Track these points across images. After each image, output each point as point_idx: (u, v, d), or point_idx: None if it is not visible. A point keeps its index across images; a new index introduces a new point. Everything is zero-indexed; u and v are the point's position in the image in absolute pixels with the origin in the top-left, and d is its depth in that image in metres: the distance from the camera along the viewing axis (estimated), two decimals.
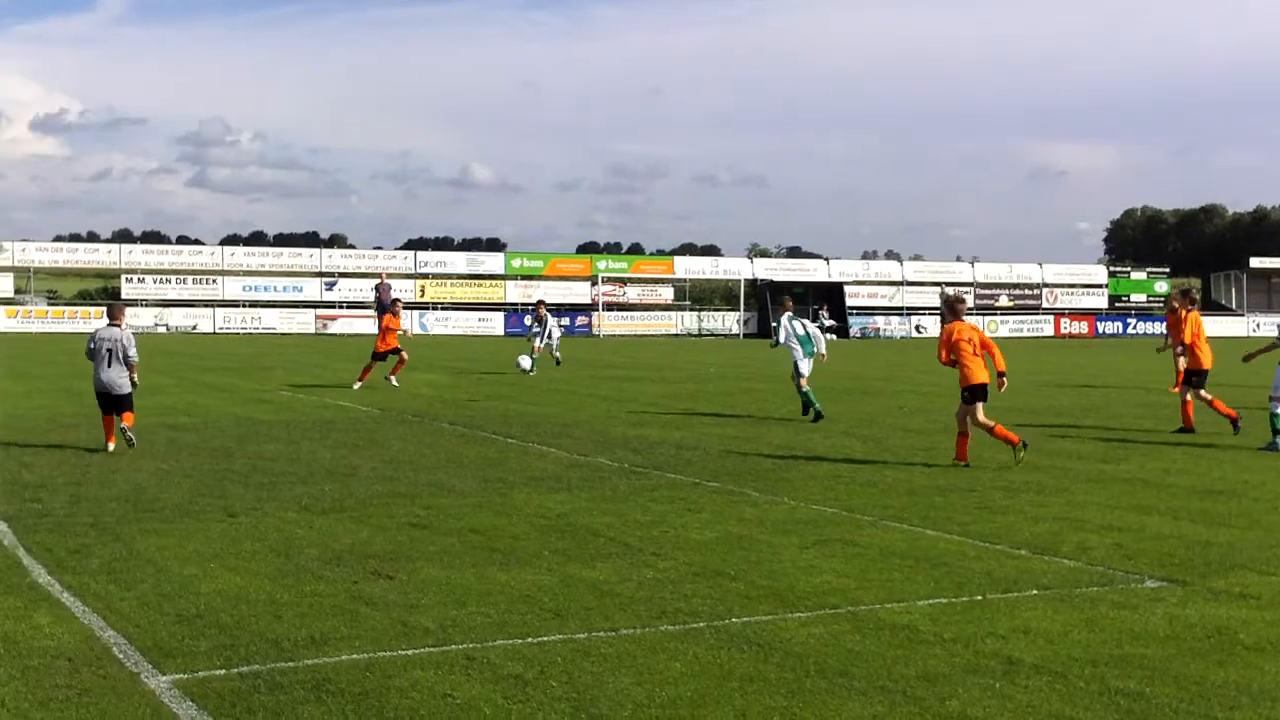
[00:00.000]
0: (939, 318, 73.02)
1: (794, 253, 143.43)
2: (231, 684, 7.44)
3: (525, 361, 33.31)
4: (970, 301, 77.80)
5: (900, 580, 10.31)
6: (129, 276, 65.39)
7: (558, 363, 36.35)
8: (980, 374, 17.08)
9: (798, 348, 23.29)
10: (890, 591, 9.90)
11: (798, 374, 23.38)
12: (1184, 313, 22.53)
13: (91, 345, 17.73)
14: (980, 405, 17.00)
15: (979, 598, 9.73)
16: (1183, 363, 22.68)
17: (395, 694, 7.31)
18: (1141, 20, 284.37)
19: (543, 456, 17.58)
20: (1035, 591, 9.98)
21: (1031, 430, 21.50)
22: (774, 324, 24.66)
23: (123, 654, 8.00)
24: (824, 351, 23.75)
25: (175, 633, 8.45)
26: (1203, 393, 21.27)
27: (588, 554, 11.15)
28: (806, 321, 24.28)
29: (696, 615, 9.08)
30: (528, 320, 35.52)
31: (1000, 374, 17.39)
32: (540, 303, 36.44)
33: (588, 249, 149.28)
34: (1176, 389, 24.70)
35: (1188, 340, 21.67)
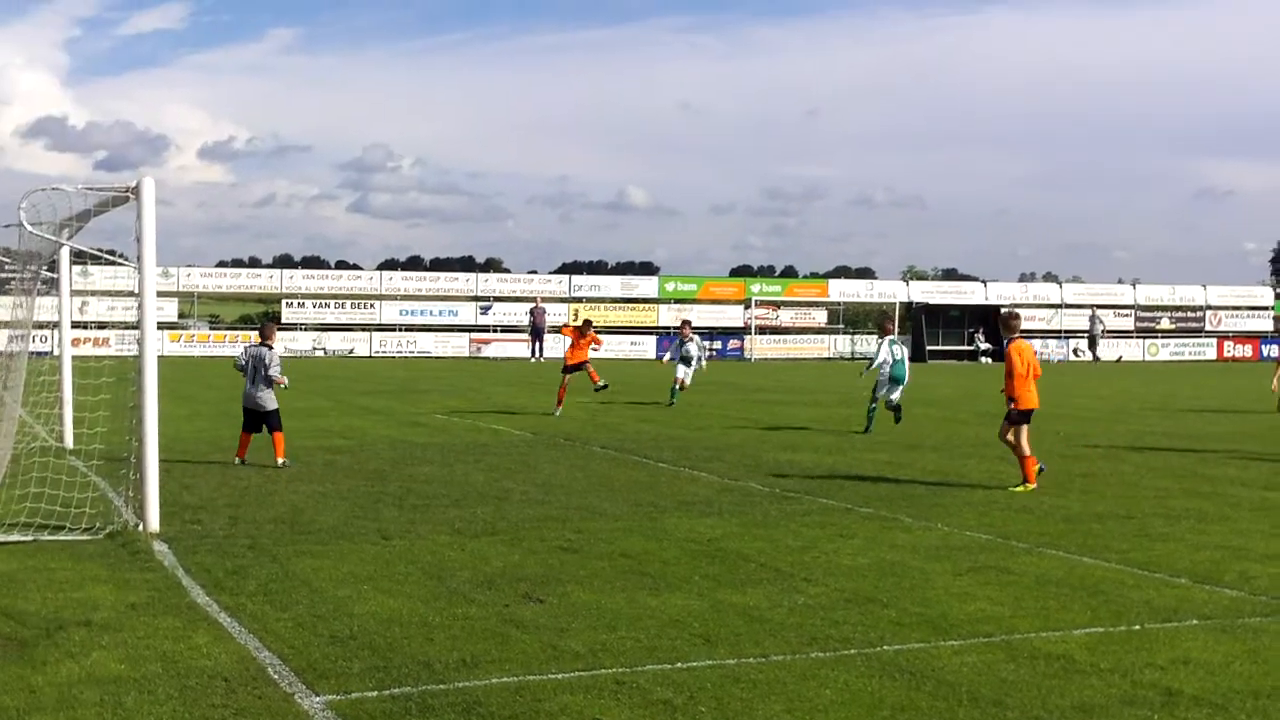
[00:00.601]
0: (1086, 341, 71.87)
1: (950, 275, 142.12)
2: (384, 705, 7.52)
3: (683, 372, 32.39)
4: (1131, 324, 76.50)
5: (1056, 608, 10.14)
6: (289, 301, 66.62)
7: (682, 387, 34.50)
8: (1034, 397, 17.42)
9: (887, 371, 24.95)
10: (1046, 620, 9.74)
11: (876, 394, 25.18)
12: None
13: (240, 361, 18.61)
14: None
15: (1137, 627, 9.54)
16: None
17: (544, 717, 7.34)
18: None
19: (694, 480, 17.57)
20: (1196, 621, 9.75)
21: (1193, 455, 21.08)
22: (877, 345, 25.90)
23: (277, 674, 8.13)
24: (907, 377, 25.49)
25: (329, 654, 8.57)
26: None
27: (738, 579, 11.12)
28: (904, 348, 25.99)
29: (848, 642, 9.01)
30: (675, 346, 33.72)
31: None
32: (685, 323, 34.93)
33: (741, 272, 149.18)
34: None
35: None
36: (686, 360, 32.16)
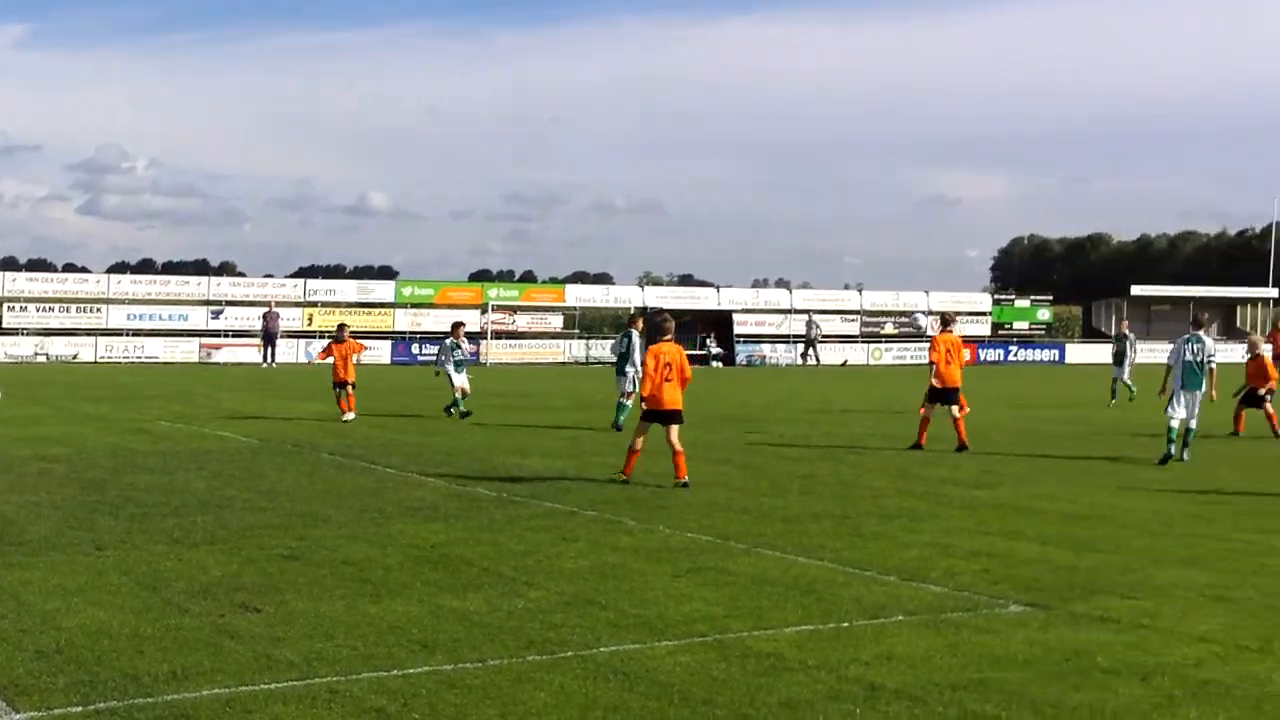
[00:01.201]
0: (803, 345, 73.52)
1: (686, 280, 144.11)
2: None
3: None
4: (857, 329, 78.49)
5: (769, 608, 10.39)
6: (10, 305, 64.28)
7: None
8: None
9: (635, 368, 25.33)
10: (759, 619, 9.98)
11: (625, 389, 25.87)
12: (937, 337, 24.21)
13: None
14: None
15: (845, 624, 9.84)
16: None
17: None
18: (1031, 52, 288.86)
19: (421, 486, 17.50)
20: (901, 617, 10.10)
21: (907, 456, 21.78)
22: (622, 337, 26.93)
23: None
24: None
25: (33, 669, 8.32)
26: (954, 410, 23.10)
27: (460, 584, 11.13)
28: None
29: (564, 645, 9.10)
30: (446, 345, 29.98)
31: None
32: (458, 325, 32.33)
33: (479, 277, 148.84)
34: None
35: (936, 360, 23.52)
36: (460, 365, 29.66)
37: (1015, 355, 79.92)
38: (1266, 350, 28.83)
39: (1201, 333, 21.78)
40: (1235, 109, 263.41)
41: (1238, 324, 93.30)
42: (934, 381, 23.23)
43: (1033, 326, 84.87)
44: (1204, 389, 21.43)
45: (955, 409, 23.02)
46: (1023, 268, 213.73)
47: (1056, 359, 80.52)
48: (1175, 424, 21.08)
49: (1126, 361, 37.74)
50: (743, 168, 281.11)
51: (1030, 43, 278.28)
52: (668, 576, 11.55)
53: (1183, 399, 21.22)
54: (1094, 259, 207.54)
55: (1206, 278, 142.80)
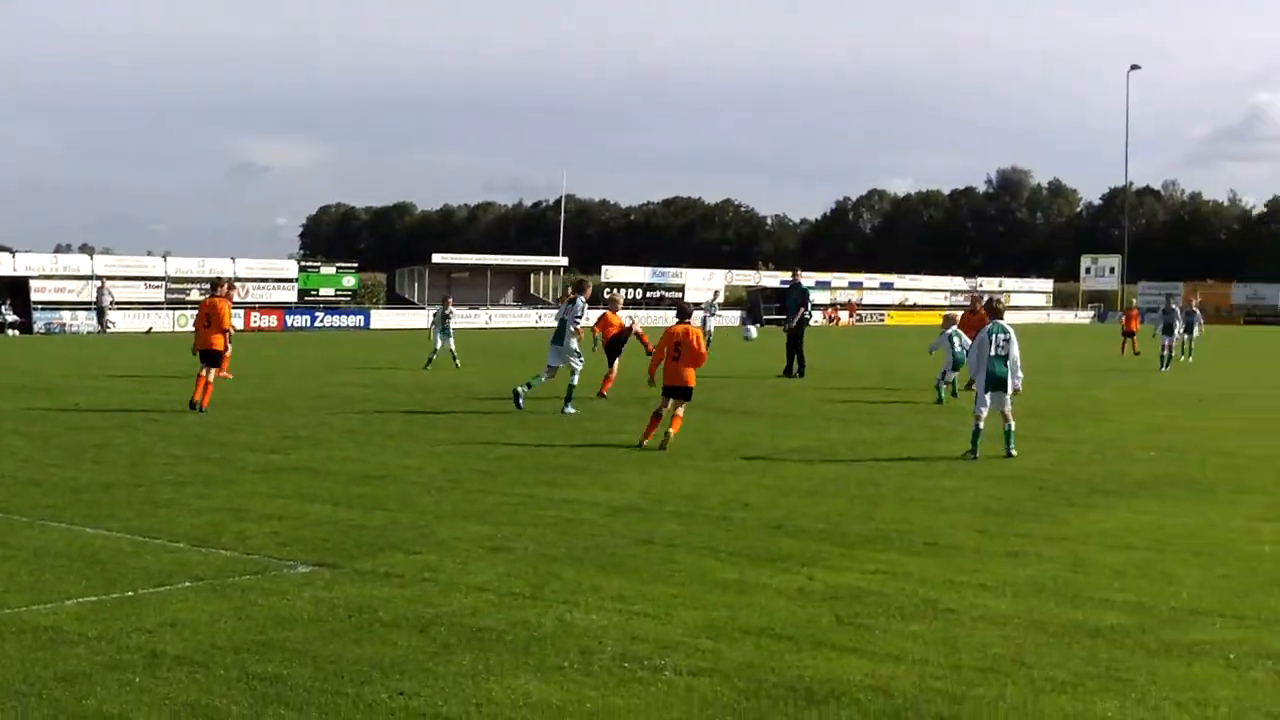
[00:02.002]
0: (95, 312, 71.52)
1: None
2: None
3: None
4: (162, 295, 76.71)
5: (51, 581, 10.10)
6: None
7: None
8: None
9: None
10: (39, 593, 9.69)
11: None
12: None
13: None
14: None
15: (130, 593, 9.71)
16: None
17: None
18: (339, 22, 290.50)
19: None
20: (189, 584, 10.08)
21: (206, 424, 21.55)
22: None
23: None
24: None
25: None
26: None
27: None
28: None
29: None
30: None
31: None
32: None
33: None
34: None
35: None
36: None
37: (321, 321, 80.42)
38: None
39: (1005, 322, 18.87)
40: (533, 88, 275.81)
41: (531, 290, 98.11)
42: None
43: (339, 293, 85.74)
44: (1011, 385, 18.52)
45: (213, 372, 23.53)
46: (330, 235, 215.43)
47: (362, 324, 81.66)
48: (982, 424, 18.24)
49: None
50: (42, 129, 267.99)
51: (334, 8, 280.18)
52: None
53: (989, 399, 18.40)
54: (399, 228, 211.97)
55: (505, 246, 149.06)
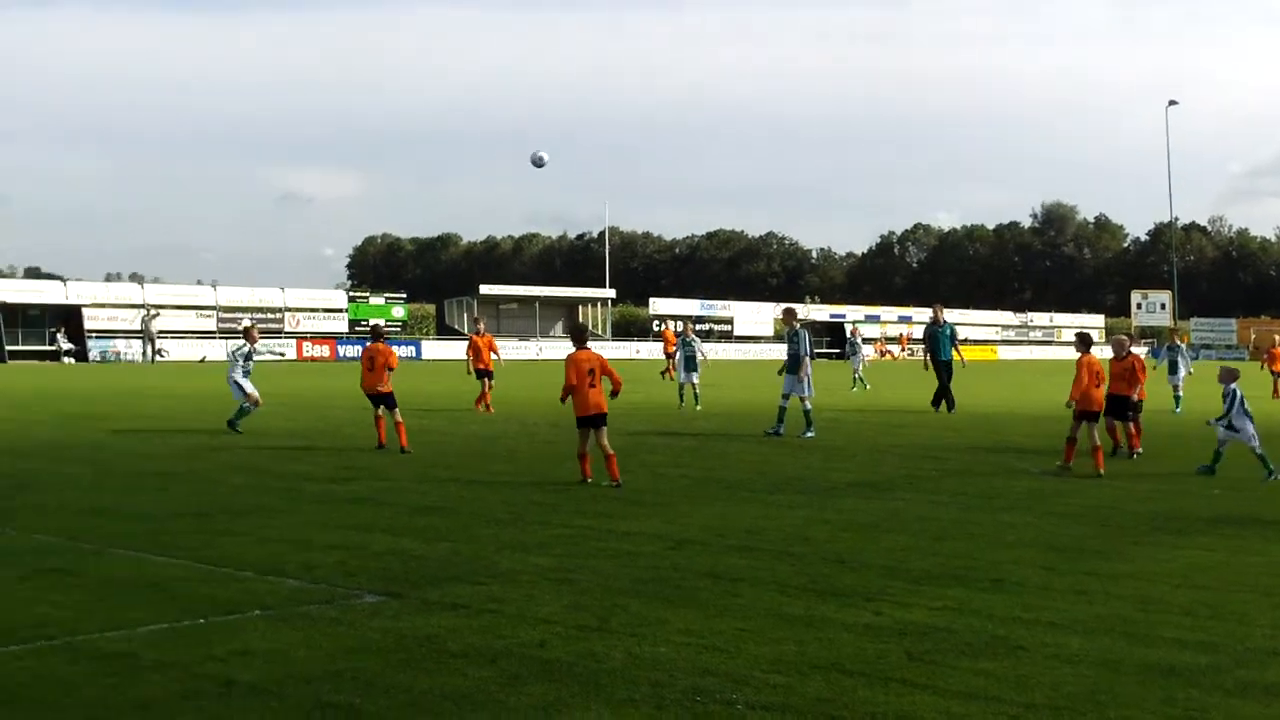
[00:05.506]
0: (242, 340, 72.28)
1: (32, 274, 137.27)
2: None
3: None
4: (213, 325, 77.19)
5: (122, 608, 10.17)
6: None
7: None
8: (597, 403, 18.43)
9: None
10: (110, 620, 9.75)
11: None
12: None
13: None
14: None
15: (201, 621, 9.76)
16: None
17: None
18: (381, 54, 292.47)
19: None
20: (258, 612, 10.12)
21: (266, 453, 21.70)
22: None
23: None
24: None
25: None
26: None
27: None
28: None
29: None
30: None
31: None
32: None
33: None
34: None
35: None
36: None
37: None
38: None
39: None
40: (576, 120, 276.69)
41: (580, 319, 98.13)
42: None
43: (388, 323, 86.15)
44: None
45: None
46: (376, 265, 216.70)
47: (413, 355, 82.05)
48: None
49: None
50: (94, 159, 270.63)
51: (376, 42, 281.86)
52: (13, 580, 11.11)
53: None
54: (444, 258, 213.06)
55: (551, 278, 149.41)
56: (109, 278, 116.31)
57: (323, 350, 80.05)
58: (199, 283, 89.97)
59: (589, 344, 18.93)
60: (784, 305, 52.43)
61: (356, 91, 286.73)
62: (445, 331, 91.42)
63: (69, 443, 23.02)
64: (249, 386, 26.44)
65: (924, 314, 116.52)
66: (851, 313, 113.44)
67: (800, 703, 7.95)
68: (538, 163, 34.65)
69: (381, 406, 23.14)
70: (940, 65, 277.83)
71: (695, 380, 34.71)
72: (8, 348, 68.51)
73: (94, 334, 73.23)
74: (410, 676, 8.40)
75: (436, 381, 49.12)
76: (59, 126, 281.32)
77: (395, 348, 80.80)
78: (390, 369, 23.40)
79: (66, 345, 69.35)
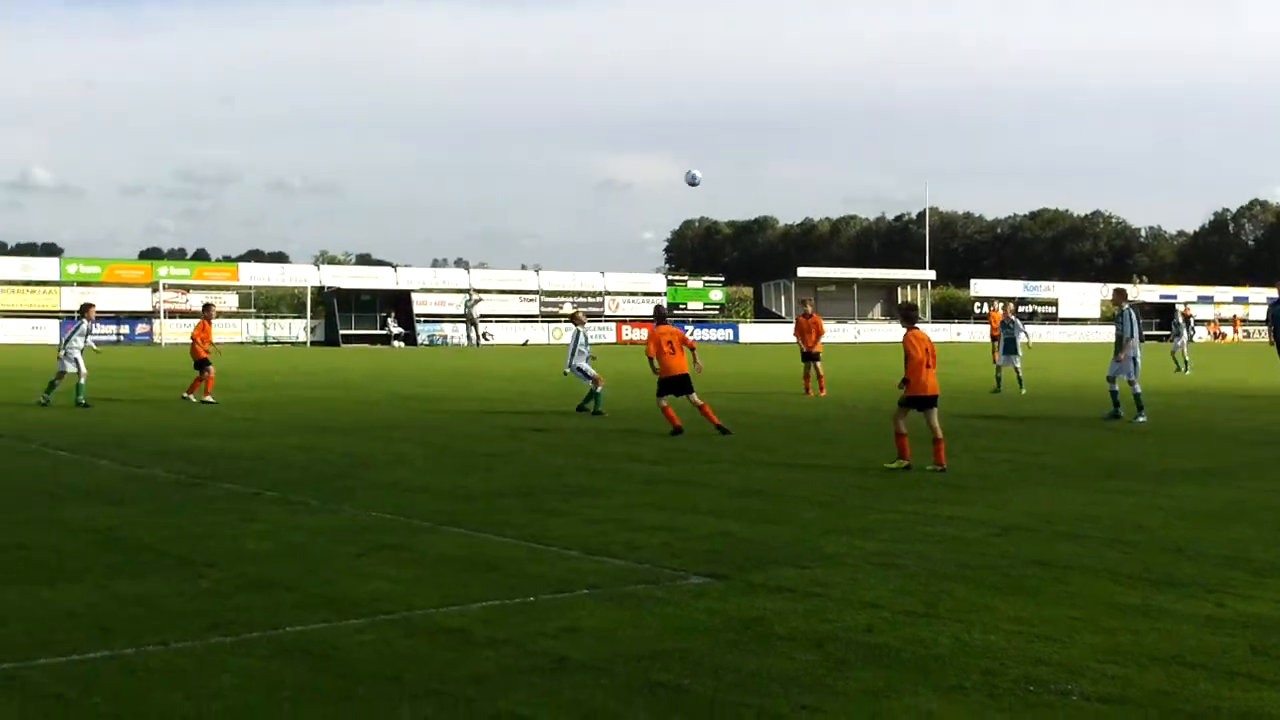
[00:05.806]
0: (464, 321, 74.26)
1: (364, 260, 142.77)
2: None
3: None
4: (536, 309, 78.92)
5: (455, 585, 10.45)
6: None
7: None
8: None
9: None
10: (444, 596, 10.03)
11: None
12: None
13: None
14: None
15: (531, 599, 9.96)
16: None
17: None
18: (698, 40, 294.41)
19: (95, 469, 17.02)
20: (585, 591, 10.28)
21: (589, 434, 22.07)
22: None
23: None
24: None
25: None
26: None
27: (138, 568, 10.89)
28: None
29: (250, 626, 9.00)
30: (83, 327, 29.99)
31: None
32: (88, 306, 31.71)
33: (150, 255, 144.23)
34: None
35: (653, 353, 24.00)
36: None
37: (691, 335, 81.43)
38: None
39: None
40: (892, 101, 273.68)
41: (898, 302, 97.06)
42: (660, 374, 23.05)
43: (706, 306, 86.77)
44: None
45: (694, 397, 23.00)
46: (694, 249, 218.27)
47: (731, 338, 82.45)
48: None
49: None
50: (421, 149, 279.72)
51: (694, 29, 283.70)
52: (352, 556, 11.52)
53: None
54: (760, 241, 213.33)
55: (868, 260, 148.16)
56: (435, 264, 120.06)
57: (641, 334, 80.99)
58: (523, 268, 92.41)
59: (917, 325, 18.65)
60: (1113, 286, 51.02)
61: (675, 77, 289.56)
62: (763, 315, 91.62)
63: (402, 422, 23.83)
64: (591, 370, 26.98)
65: (1261, 294, 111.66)
66: (1183, 293, 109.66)
67: (1139, 695, 7.68)
68: (692, 181, 34.96)
69: (669, 395, 22.93)
70: (1276, 32, 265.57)
71: (1017, 364, 33.99)
72: (341, 332, 71.30)
73: (422, 318, 75.69)
74: (737, 658, 8.41)
75: (754, 364, 49.23)
76: (388, 119, 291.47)
77: (710, 331, 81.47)
78: (690, 348, 23.47)
79: (397, 329, 71.79)
